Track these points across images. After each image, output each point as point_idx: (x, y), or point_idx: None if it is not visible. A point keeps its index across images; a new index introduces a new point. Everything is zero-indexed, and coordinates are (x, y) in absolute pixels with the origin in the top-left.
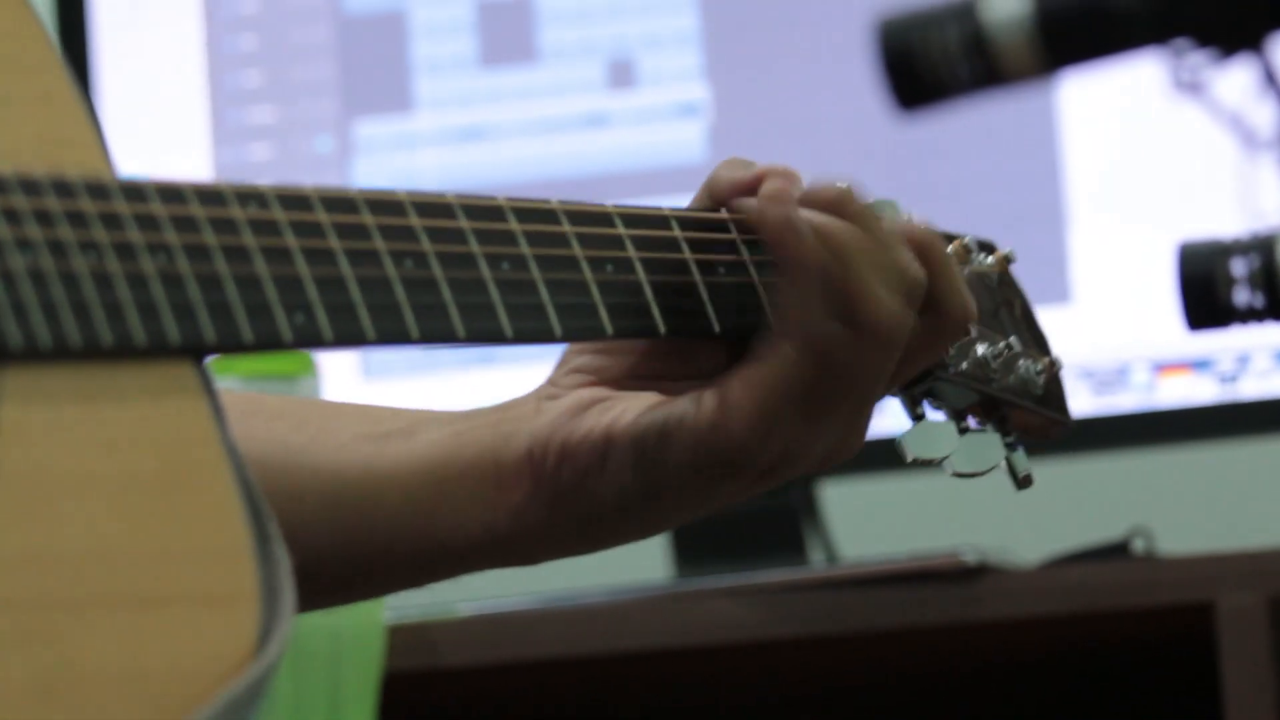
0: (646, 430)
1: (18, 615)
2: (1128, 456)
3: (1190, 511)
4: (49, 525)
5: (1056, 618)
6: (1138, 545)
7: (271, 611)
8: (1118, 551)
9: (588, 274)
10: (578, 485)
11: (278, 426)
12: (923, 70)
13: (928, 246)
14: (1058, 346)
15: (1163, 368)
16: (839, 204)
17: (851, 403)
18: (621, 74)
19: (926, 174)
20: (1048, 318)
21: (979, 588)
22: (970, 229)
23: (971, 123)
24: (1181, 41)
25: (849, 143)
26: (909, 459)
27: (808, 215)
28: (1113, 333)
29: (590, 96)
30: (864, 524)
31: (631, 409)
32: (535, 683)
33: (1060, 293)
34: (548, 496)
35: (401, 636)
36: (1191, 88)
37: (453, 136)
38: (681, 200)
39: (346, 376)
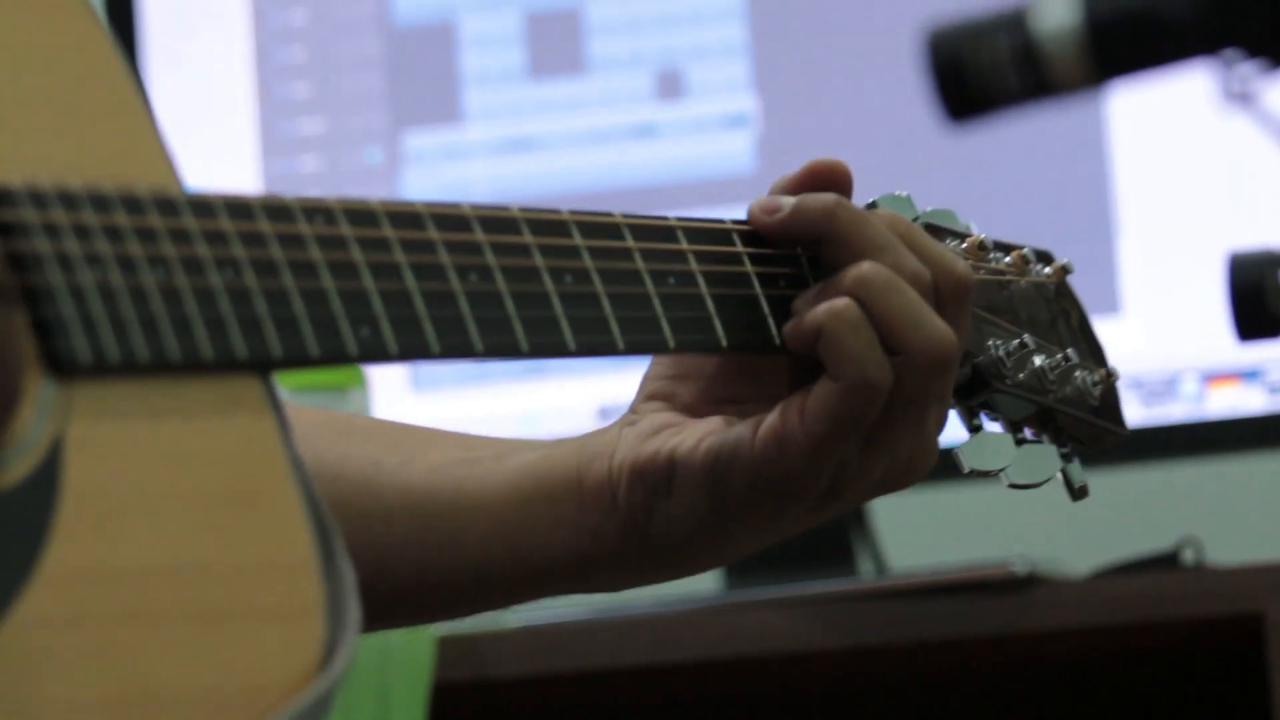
0: (706, 454)
1: (87, 631)
2: (1177, 467)
3: (1240, 522)
4: (117, 541)
5: (1106, 628)
6: (1187, 556)
7: (337, 626)
8: (1167, 562)
9: (650, 287)
10: (648, 507)
11: (371, 447)
12: (972, 81)
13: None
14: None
15: (1212, 378)
16: (872, 239)
17: (910, 427)
18: (670, 85)
19: (976, 185)
20: (1098, 329)
21: (1028, 598)
22: (1021, 240)
23: (1021, 133)
24: (1231, 52)
25: (898, 153)
26: (965, 470)
27: (840, 303)
28: (1162, 343)
29: (639, 108)
30: (913, 534)
31: (697, 433)
32: (584, 693)
33: (1110, 303)
34: (623, 518)
35: (450, 647)
36: (1241, 98)
37: (502, 148)
38: (731, 209)
39: (396, 389)
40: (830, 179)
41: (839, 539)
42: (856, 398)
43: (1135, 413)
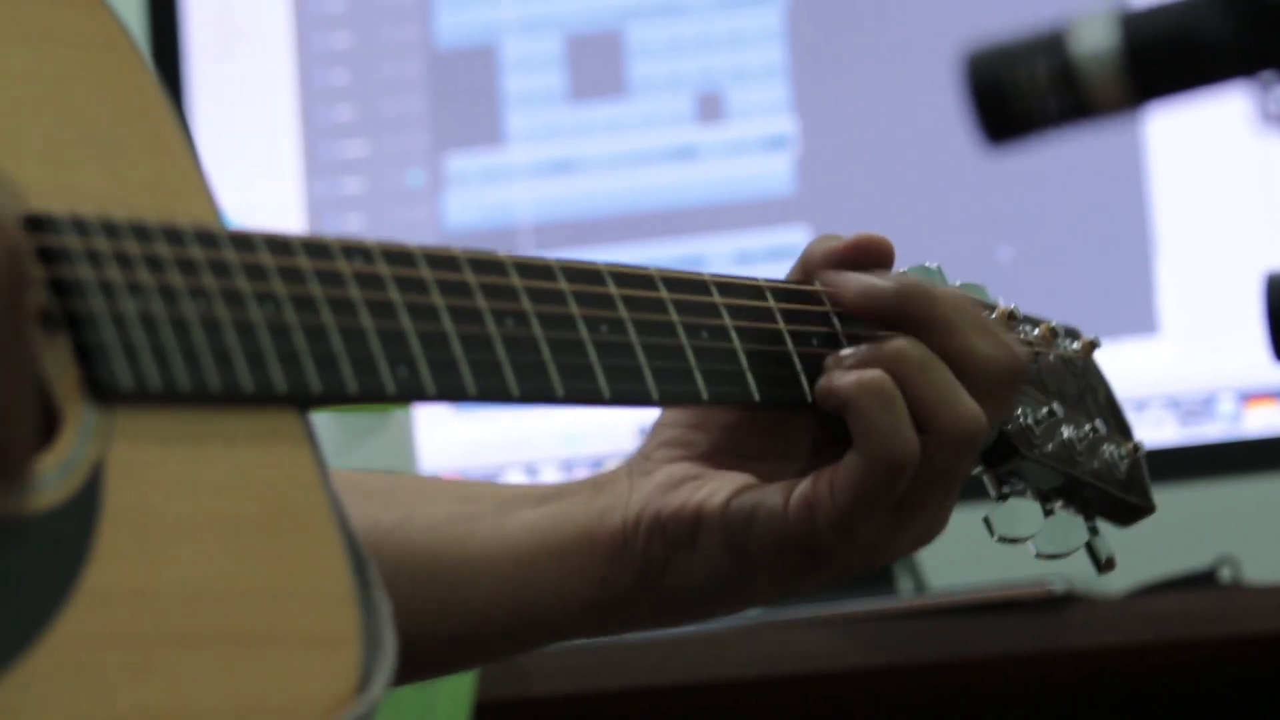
0: (736, 514)
1: (127, 651)
2: (1214, 485)
3: (1277, 540)
4: (157, 564)
5: (1143, 646)
6: (1224, 574)
7: (373, 654)
8: (1204, 580)
9: (684, 339)
10: (667, 559)
11: (369, 506)
12: (1011, 103)
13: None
14: (1145, 376)
15: (1249, 397)
16: (913, 310)
17: (938, 498)
18: (710, 107)
19: (1015, 207)
20: (1135, 349)
21: (1066, 616)
22: (1059, 261)
23: (1060, 155)
24: (1268, 74)
25: (937, 175)
26: (995, 537)
27: (874, 367)
28: (1199, 362)
29: (679, 129)
30: (952, 553)
31: (724, 489)
32: (625, 711)
33: (1147, 323)
34: (639, 568)
35: (493, 666)
36: (1278, 120)
37: (543, 169)
38: (771, 230)
39: (438, 411)
40: (876, 255)
41: None
42: (882, 473)
43: (1172, 432)
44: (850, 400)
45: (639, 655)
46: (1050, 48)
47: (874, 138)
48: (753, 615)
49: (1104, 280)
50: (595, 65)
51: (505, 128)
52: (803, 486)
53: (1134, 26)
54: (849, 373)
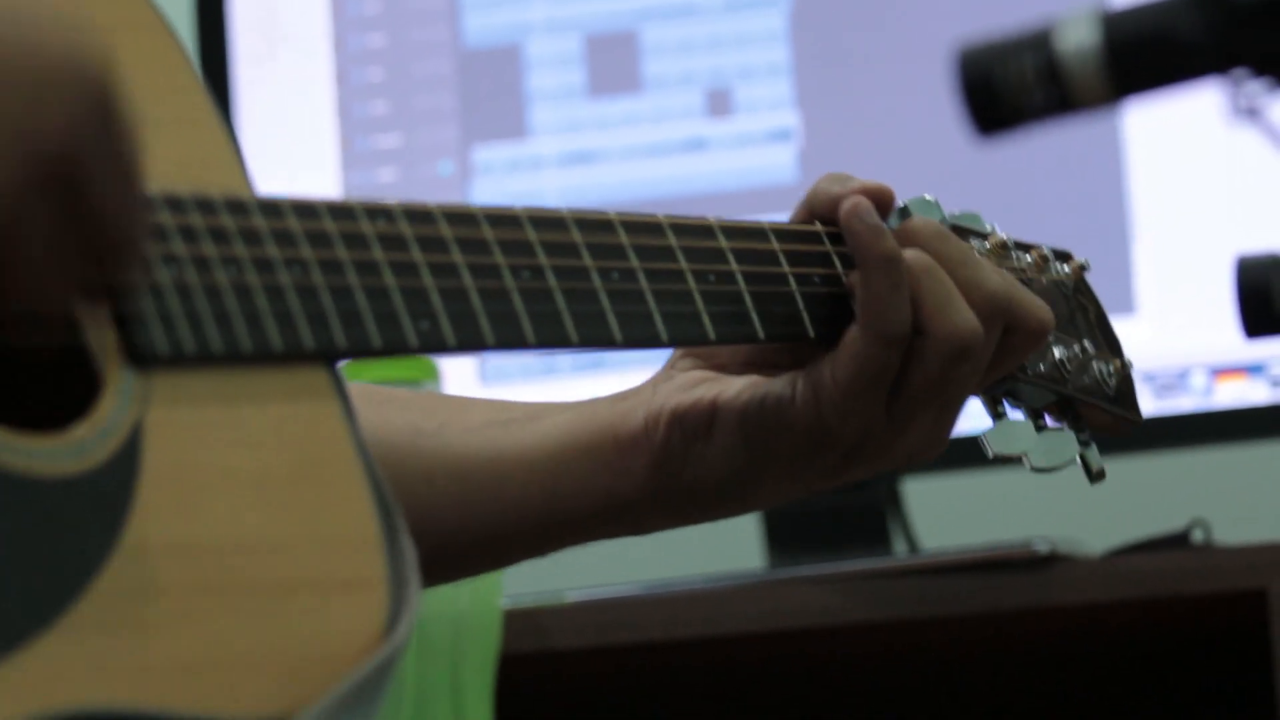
0: (748, 404)
1: (169, 601)
2: (1187, 454)
3: (1245, 504)
4: (196, 517)
5: (1122, 603)
6: (1197, 536)
7: (399, 597)
8: (1178, 542)
9: (691, 284)
10: (684, 450)
11: (410, 414)
12: (1000, 97)
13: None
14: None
15: (1220, 372)
16: (925, 225)
17: (934, 408)
18: (719, 103)
19: (1003, 193)
20: (1115, 327)
21: (1050, 575)
22: (1041, 241)
23: (1044, 146)
24: (1240, 71)
25: (929, 164)
26: (990, 455)
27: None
28: (1174, 339)
29: (690, 123)
30: (943, 517)
31: (737, 384)
32: (638, 664)
33: (1125, 303)
34: (658, 458)
35: (515, 622)
36: (1248, 113)
37: (564, 161)
38: (775, 217)
39: (465, 381)
40: (878, 204)
41: (875, 520)
42: (877, 344)
43: (1148, 404)
44: (864, 266)
45: (650, 611)
46: (1036, 45)
47: (871, 131)
48: (757, 573)
49: (1084, 258)
50: (613, 63)
51: (529, 121)
52: (806, 371)
53: (1114, 26)
54: (874, 243)
